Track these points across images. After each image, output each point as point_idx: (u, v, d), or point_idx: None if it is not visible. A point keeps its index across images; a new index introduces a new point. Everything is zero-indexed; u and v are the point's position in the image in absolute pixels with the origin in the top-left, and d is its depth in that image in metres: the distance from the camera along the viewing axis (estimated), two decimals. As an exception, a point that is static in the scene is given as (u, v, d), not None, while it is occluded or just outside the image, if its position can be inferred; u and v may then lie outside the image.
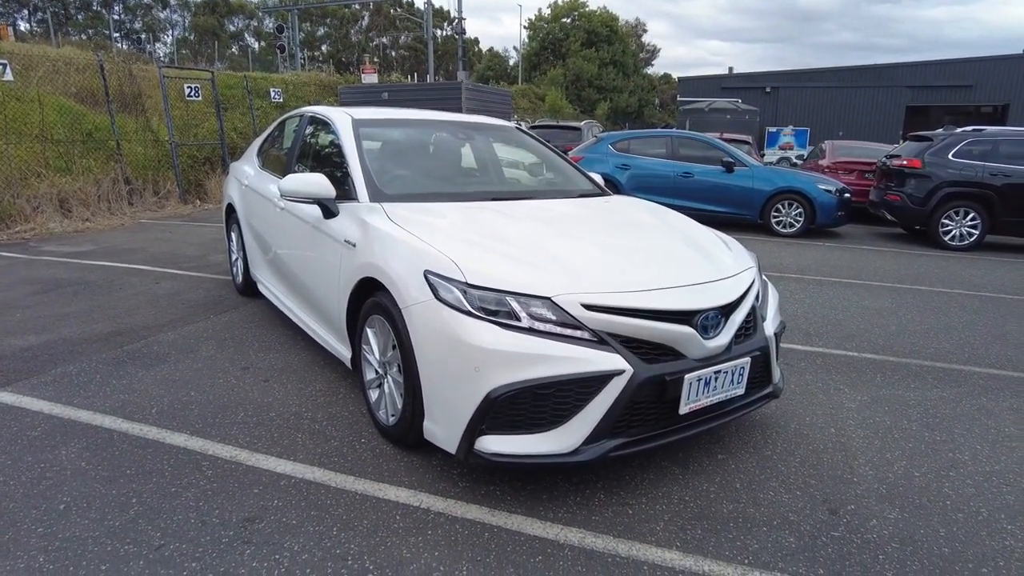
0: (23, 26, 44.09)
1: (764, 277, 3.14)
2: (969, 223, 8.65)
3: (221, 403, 3.24)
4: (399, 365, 2.65)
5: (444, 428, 2.41)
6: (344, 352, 3.23)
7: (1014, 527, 2.41)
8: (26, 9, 48.07)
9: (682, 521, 2.38)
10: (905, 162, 9.02)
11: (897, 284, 6.49)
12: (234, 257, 5.24)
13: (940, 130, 9.24)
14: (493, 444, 2.28)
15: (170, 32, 56.20)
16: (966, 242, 8.69)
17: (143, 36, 50.16)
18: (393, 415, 2.76)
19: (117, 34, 46.99)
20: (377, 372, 2.89)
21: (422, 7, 32.22)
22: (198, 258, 6.69)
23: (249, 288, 4.92)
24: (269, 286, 4.41)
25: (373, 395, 2.95)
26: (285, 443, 2.84)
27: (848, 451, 2.95)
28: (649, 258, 2.74)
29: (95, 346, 4.03)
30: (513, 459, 2.28)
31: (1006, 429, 3.23)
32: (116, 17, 51.61)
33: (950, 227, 8.73)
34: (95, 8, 51.47)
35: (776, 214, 9.36)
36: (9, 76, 8.85)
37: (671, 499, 2.52)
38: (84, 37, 39.62)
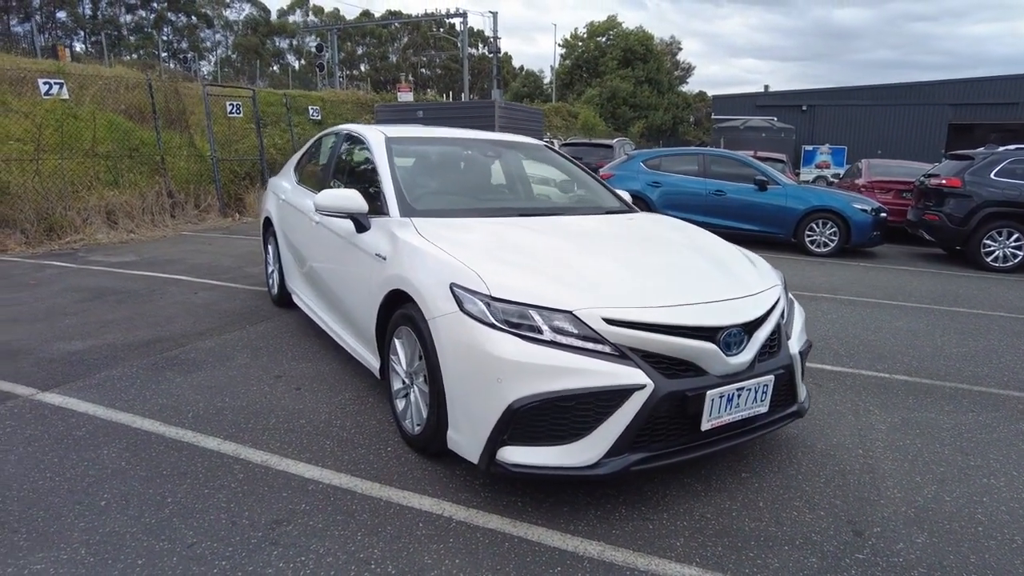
0: (79, 47, 46.13)
1: (790, 296, 3.13)
2: (1013, 244, 8.42)
3: (254, 409, 3.35)
4: (425, 375, 2.71)
5: (467, 438, 2.46)
6: (373, 362, 3.32)
7: (1048, 555, 2.35)
8: (83, 31, 50.31)
9: (703, 537, 2.38)
10: (944, 181, 8.83)
11: (934, 305, 6.35)
12: (270, 269, 5.40)
13: (982, 149, 9.04)
14: (514, 455, 2.32)
15: (214, 51, 58.16)
16: (1009, 263, 8.46)
17: (189, 55, 51.97)
18: (418, 424, 2.82)
19: (165, 53, 48.81)
20: (404, 382, 2.96)
21: (459, 27, 32.80)
22: (235, 270, 6.90)
23: (284, 299, 5.07)
24: (303, 297, 4.54)
25: (400, 404, 3.02)
26: (314, 449, 2.92)
27: (876, 473, 2.91)
28: (673, 274, 2.77)
29: (136, 352, 4.19)
30: (534, 470, 2.31)
31: (1043, 455, 3.15)
32: (165, 38, 53.64)
33: (992, 248, 8.51)
34: (146, 30, 53.59)
35: (810, 233, 9.24)
36: (65, 94, 9.29)
37: (692, 515, 2.52)
38: (135, 57, 41.26)
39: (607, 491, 2.65)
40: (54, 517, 2.36)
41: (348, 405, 3.43)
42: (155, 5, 54.52)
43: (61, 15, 49.14)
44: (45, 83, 9.09)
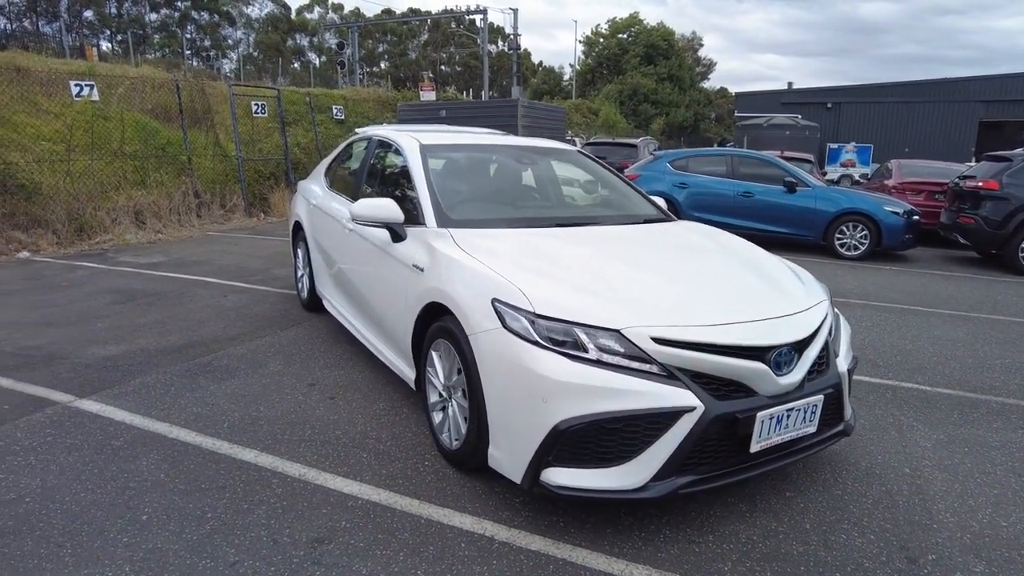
0: (105, 46, 46.79)
1: (836, 310, 3.05)
2: (1051, 248, 8.20)
3: (289, 419, 3.34)
4: (464, 390, 2.68)
5: (509, 457, 2.42)
6: (408, 373, 3.29)
7: (1114, 588, 2.25)
8: (109, 30, 51.04)
9: (750, 562, 2.32)
10: (980, 183, 8.62)
11: (972, 313, 6.20)
12: (300, 273, 5.41)
13: (1020, 150, 8.80)
14: (559, 477, 2.28)
15: (236, 49, 58.69)
16: (1048, 268, 8.24)
17: (212, 53, 52.50)
18: (457, 439, 2.79)
19: (189, 52, 49.37)
20: (441, 395, 2.93)
21: (479, 24, 32.76)
22: (263, 271, 6.93)
23: (314, 304, 5.07)
24: (335, 303, 4.53)
25: (436, 417, 2.99)
26: (351, 463, 2.90)
27: (925, 495, 2.82)
28: (720, 290, 2.70)
29: (169, 358, 4.21)
30: (579, 492, 2.27)
31: (1100, 477, 3.03)
32: (188, 36, 54.25)
33: (1030, 252, 8.30)
34: (171, 28, 54.23)
35: (840, 236, 9.08)
36: (96, 95, 9.39)
37: (739, 538, 2.46)
38: (159, 56, 41.77)
39: (650, 511, 2.59)
40: (97, 532, 2.36)
41: (383, 416, 3.40)
42: (179, 4, 55.17)
43: (88, 14, 49.87)
44: (76, 85, 9.21)
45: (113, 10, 51.46)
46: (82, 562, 2.19)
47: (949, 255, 9.93)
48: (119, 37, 48.87)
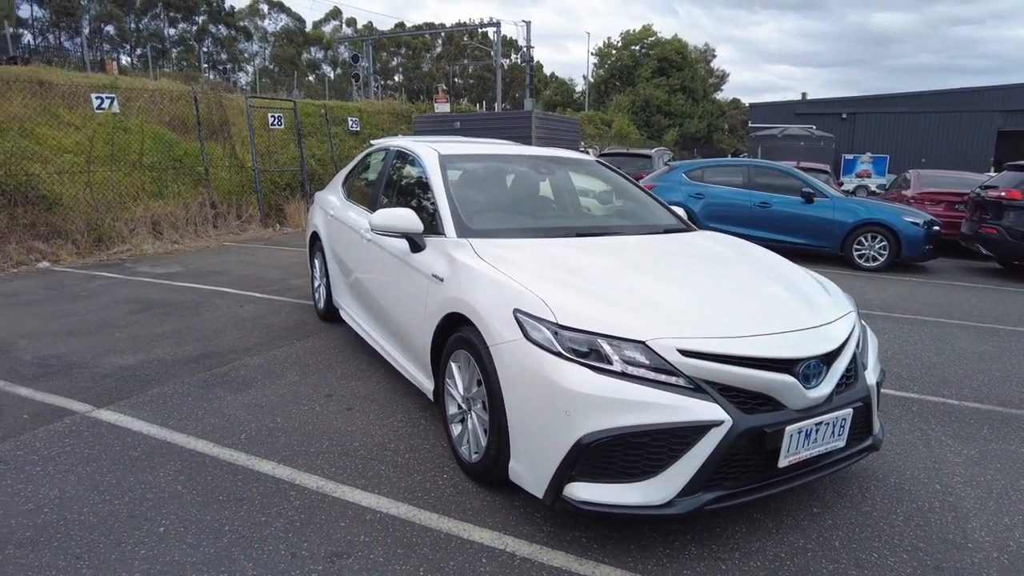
0: (125, 60, 47.61)
1: (863, 322, 2.98)
2: (1077, 259, 8.04)
3: (306, 431, 3.31)
4: (484, 402, 2.64)
5: (531, 471, 2.37)
6: (427, 384, 3.26)
7: None
8: (128, 44, 51.98)
9: (780, 581, 2.25)
10: (1003, 193, 8.49)
11: (998, 325, 6.07)
12: (317, 283, 5.41)
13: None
14: (582, 492, 2.23)
15: (252, 62, 59.49)
16: (1073, 280, 8.08)
17: (229, 66, 53.24)
18: (476, 452, 2.75)
19: (206, 65, 50.13)
20: (460, 407, 2.89)
21: (492, 37, 32.98)
22: (279, 281, 6.94)
23: (331, 314, 5.06)
24: (351, 313, 4.51)
25: (455, 430, 2.95)
26: (369, 475, 2.87)
27: (958, 512, 2.74)
28: (747, 301, 2.65)
29: (186, 368, 4.21)
30: (603, 508, 2.22)
31: None
32: (205, 50, 55.09)
33: (1055, 263, 8.14)
34: (188, 42, 55.12)
35: (858, 247, 8.97)
36: (116, 108, 9.51)
37: (766, 555, 2.40)
38: (177, 69, 42.44)
39: (675, 527, 2.53)
40: (115, 543, 2.34)
41: (401, 427, 3.37)
42: (197, 18, 56.09)
43: (109, 29, 50.82)
44: (97, 98, 9.34)
45: (133, 25, 52.41)
46: (99, 574, 2.17)
47: (971, 266, 9.77)
48: (138, 51, 49.75)
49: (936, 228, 8.92)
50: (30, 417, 3.41)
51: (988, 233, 8.61)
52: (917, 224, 8.80)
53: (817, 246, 9.19)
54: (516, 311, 2.46)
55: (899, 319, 6.17)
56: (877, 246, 8.88)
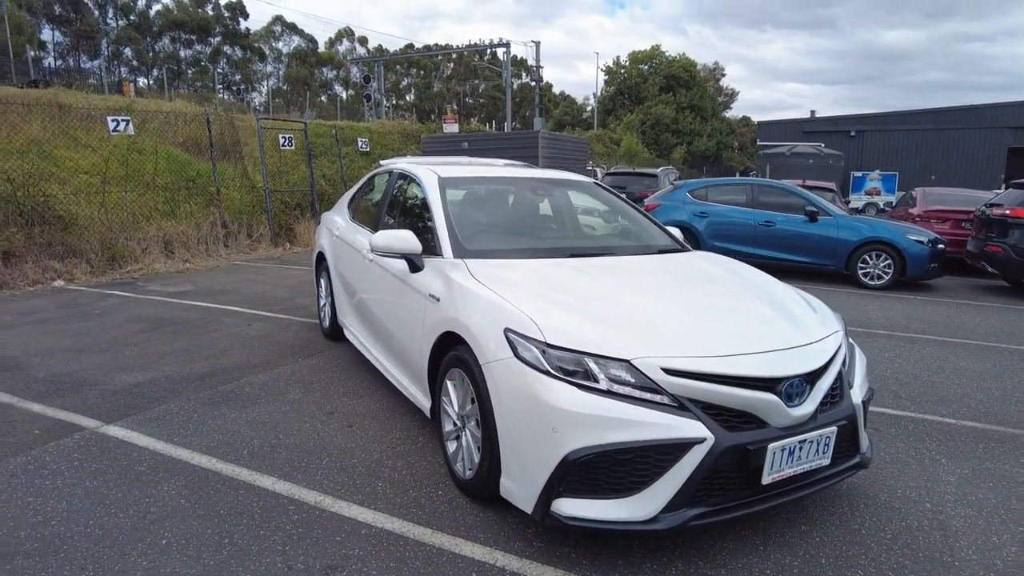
0: (142, 82, 48.67)
1: (851, 341, 3.04)
2: (1083, 278, 8.02)
3: (307, 447, 3.39)
4: (477, 419, 2.71)
5: (521, 487, 2.44)
6: (424, 402, 3.33)
7: None
8: (145, 67, 53.15)
9: (764, 597, 2.29)
10: (1008, 211, 8.50)
11: (1001, 344, 6.07)
12: (322, 302, 5.52)
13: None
14: (570, 507, 2.29)
15: (265, 82, 60.55)
16: (1080, 298, 8.05)
17: (242, 87, 54.21)
18: (470, 469, 2.81)
19: (220, 86, 51.05)
20: (455, 424, 2.96)
21: (501, 57, 33.42)
22: (287, 300, 7.07)
23: (335, 332, 5.16)
24: (355, 332, 4.61)
25: (451, 447, 3.02)
26: (366, 491, 2.94)
27: (947, 530, 2.76)
28: (732, 320, 2.72)
29: (193, 385, 4.31)
30: (589, 523, 2.28)
31: None
32: (220, 71, 56.15)
33: (1061, 282, 8.12)
34: (203, 64, 56.24)
35: (863, 265, 8.98)
36: (131, 130, 9.76)
37: (751, 572, 2.44)
38: (192, 90, 43.28)
39: (662, 543, 2.58)
40: (119, 555, 2.42)
41: (399, 445, 3.44)
42: (212, 40, 57.24)
43: (127, 51, 52.01)
44: (113, 120, 9.58)
45: (149, 48, 53.56)
46: (103, 585, 2.25)
47: (977, 284, 9.75)
48: (155, 72, 50.77)
49: (941, 246, 8.92)
50: (41, 432, 3.52)
51: (993, 251, 8.61)
52: (921, 242, 8.81)
53: (822, 265, 9.22)
54: (507, 330, 2.54)
55: (901, 337, 6.19)
56: (882, 264, 8.89)
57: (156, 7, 54.34)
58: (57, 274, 8.08)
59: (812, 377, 2.50)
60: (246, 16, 59.61)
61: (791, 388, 2.41)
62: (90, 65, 48.56)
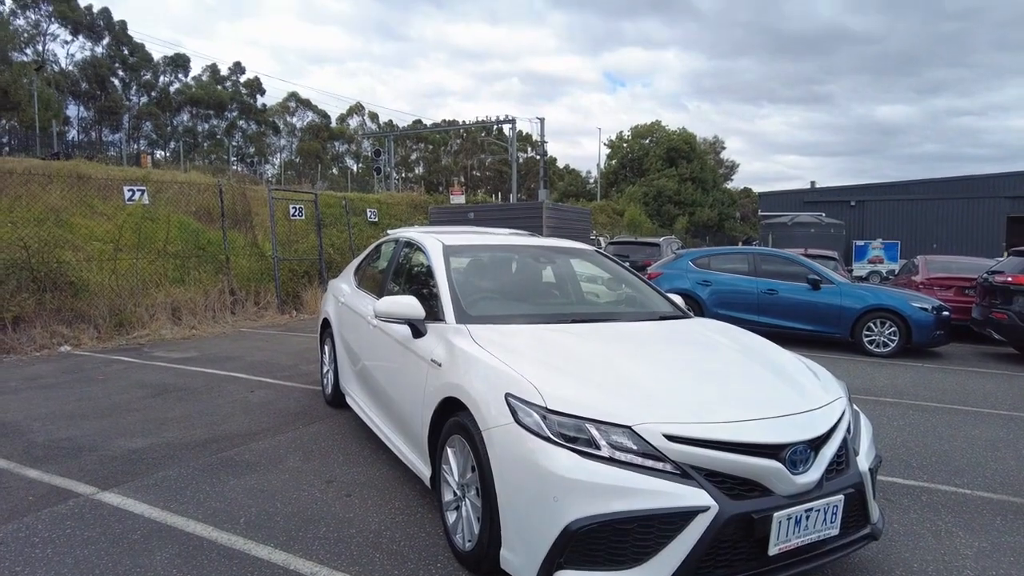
0: (160, 154, 50.39)
1: (856, 407, 3.01)
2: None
3: (305, 516, 3.32)
4: (477, 488, 2.66)
5: (521, 559, 2.37)
6: (424, 470, 3.28)
7: None
8: (163, 140, 55.15)
9: None
10: (1010, 279, 8.53)
11: (1013, 412, 5.97)
12: (325, 369, 5.51)
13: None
14: (571, 580, 2.22)
15: (279, 154, 62.52)
16: (1091, 366, 7.96)
17: (256, 159, 55.94)
18: (470, 540, 2.74)
19: (235, 158, 52.72)
20: (455, 494, 2.91)
21: (507, 132, 34.56)
22: (291, 367, 7.06)
23: (337, 399, 5.13)
24: (356, 398, 4.59)
25: (450, 517, 2.96)
26: (364, 562, 2.86)
27: (966, 608, 2.65)
28: (734, 386, 2.71)
29: (193, 452, 4.27)
30: (592, 597, 2.20)
31: None
32: (235, 143, 58.14)
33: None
34: (218, 136, 58.31)
35: (868, 333, 8.95)
36: (146, 200, 10.04)
37: (763, 651, 2.33)
38: (207, 162, 44.70)
39: (669, 619, 2.48)
40: (106, 629, 2.34)
41: (398, 515, 3.37)
42: (228, 114, 59.55)
43: (147, 125, 54.10)
44: (129, 190, 9.87)
45: (168, 122, 55.68)
46: (88, 660, 2.17)
47: (985, 351, 9.67)
48: (172, 145, 52.55)
49: (946, 313, 8.91)
50: (35, 499, 3.47)
51: (999, 318, 8.59)
52: (926, 309, 8.80)
53: (827, 332, 9.19)
54: (508, 395, 2.53)
55: (910, 405, 6.10)
56: (887, 332, 8.86)
57: (176, 85, 56.93)
58: (64, 339, 8.13)
59: (816, 443, 2.47)
60: (263, 92, 62.28)
61: (795, 455, 2.38)
62: (112, 138, 50.45)
